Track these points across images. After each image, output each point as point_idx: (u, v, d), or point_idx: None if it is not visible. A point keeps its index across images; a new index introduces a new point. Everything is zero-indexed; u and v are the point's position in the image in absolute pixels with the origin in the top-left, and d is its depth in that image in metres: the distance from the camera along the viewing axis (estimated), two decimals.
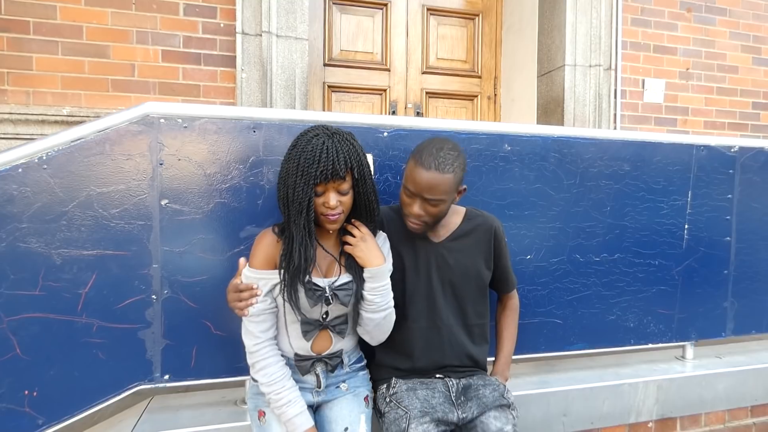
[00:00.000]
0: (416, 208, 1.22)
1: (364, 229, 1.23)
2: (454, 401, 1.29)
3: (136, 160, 1.31)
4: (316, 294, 1.16)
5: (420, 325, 1.33)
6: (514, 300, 1.49)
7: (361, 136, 1.49)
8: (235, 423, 1.34)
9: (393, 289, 1.26)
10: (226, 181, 1.37)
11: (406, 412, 1.24)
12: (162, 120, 1.32)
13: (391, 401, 1.30)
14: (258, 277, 1.17)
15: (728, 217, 1.86)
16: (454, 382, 1.33)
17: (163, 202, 1.33)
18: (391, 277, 1.28)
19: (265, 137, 1.39)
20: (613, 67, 2.96)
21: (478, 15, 3.39)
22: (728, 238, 1.87)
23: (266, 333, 1.17)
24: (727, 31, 3.26)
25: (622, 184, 1.74)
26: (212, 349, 1.36)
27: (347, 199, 1.16)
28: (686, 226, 1.81)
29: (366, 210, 1.23)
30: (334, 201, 1.13)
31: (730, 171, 1.85)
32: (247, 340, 1.17)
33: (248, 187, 1.38)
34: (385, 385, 1.34)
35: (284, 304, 1.17)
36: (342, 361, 1.27)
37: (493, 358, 1.45)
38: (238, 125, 1.38)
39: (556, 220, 1.69)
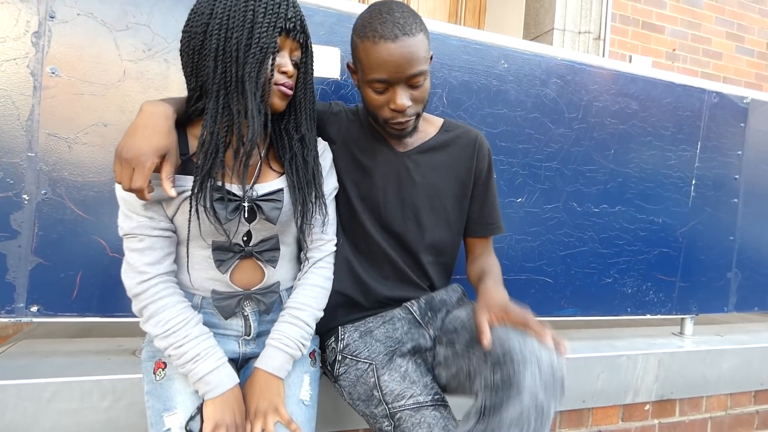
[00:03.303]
0: (401, 98, 0.91)
1: None
2: (420, 322, 1.02)
3: (15, 5, 0.95)
4: (231, 206, 0.82)
5: (366, 254, 1.04)
6: (492, 258, 1.12)
7: (327, 24, 1.19)
8: (121, 375, 0.96)
9: (342, 206, 1.03)
10: (144, 55, 1.03)
11: (371, 363, 0.94)
12: None
13: (345, 358, 0.98)
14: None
15: (736, 177, 1.66)
16: (414, 302, 1.03)
17: (49, 69, 0.97)
18: (343, 192, 1.02)
19: None
20: (602, 37, 2.78)
21: None
22: (735, 200, 1.67)
23: (155, 267, 0.80)
24: (713, 15, 3.16)
25: (628, 125, 1.50)
26: (105, 277, 1.00)
27: (294, 73, 0.85)
28: (693, 182, 1.60)
29: (306, 100, 0.89)
30: (291, 66, 0.83)
31: (741, 125, 1.65)
32: (128, 280, 0.80)
33: (175, 62, 1.04)
34: (332, 338, 1.02)
35: (188, 224, 0.80)
36: (280, 299, 0.94)
37: None
38: None
39: (553, 159, 1.42)
